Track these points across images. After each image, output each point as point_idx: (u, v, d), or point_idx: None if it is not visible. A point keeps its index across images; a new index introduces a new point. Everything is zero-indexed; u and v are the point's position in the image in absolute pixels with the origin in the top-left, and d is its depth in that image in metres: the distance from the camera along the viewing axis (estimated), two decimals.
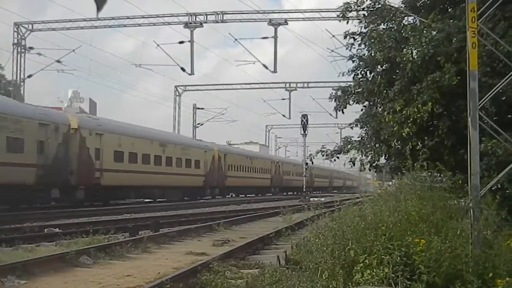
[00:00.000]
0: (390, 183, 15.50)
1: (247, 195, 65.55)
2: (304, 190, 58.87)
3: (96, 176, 36.86)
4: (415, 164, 10.47)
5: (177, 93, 68.22)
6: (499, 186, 11.74)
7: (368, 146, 18.44)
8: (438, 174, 10.95)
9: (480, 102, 9.81)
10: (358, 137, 19.58)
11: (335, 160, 20.93)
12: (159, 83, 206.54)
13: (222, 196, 60.00)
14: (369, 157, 18.60)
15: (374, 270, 8.22)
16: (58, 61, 48.91)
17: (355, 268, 8.55)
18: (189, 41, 48.62)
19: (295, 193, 77.96)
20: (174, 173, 48.29)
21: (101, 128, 38.23)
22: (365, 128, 19.14)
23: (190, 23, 48.08)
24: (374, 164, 18.75)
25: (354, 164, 19.66)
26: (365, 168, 19.39)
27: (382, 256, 8.30)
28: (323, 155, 20.40)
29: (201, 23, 48.33)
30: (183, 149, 51.26)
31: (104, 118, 43.93)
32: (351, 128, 20.88)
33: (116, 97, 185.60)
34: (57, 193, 33.22)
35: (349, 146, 19.10)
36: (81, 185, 35.51)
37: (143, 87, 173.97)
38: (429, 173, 10.50)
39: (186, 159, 51.52)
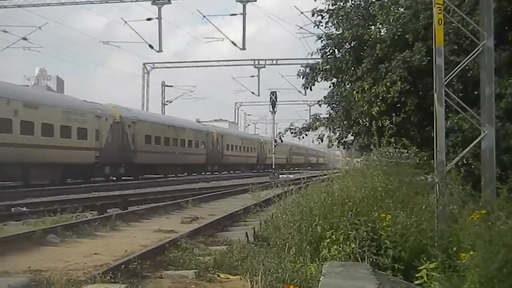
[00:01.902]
0: (359, 159, 15.57)
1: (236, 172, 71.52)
2: (273, 167, 59.03)
3: (132, 156, 45.20)
4: (382, 140, 10.52)
5: (146, 71, 67.70)
6: (465, 162, 11.86)
7: (337, 123, 18.52)
8: (405, 151, 11.02)
9: (446, 79, 9.88)
10: (326, 114, 19.64)
11: (303, 137, 21.04)
12: (129, 61, 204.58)
13: (219, 172, 66.47)
14: (337, 134, 18.69)
15: (341, 245, 8.28)
16: (24, 39, 48.09)
17: (322, 243, 8.60)
18: (157, 18, 48.18)
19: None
20: (188, 153, 57.91)
21: (135, 118, 46.83)
22: (333, 105, 19.18)
23: None
24: (342, 141, 18.86)
25: (322, 141, 19.74)
26: (333, 145, 19.48)
27: (349, 232, 8.36)
28: (291, 133, 20.45)
29: (169, 0, 47.83)
30: (194, 133, 60.54)
31: (136, 109, 53.81)
32: (319, 105, 20.97)
33: (86, 75, 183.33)
34: (108, 170, 41.66)
35: (317, 123, 19.17)
36: (123, 163, 43.71)
37: (113, 65, 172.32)
38: (396, 149, 10.57)
39: (195, 142, 60.72)
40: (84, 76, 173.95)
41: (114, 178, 43.54)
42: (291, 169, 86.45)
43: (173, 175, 52.80)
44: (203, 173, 61.32)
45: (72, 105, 38.55)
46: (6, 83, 34.83)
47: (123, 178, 44.26)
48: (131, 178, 44.95)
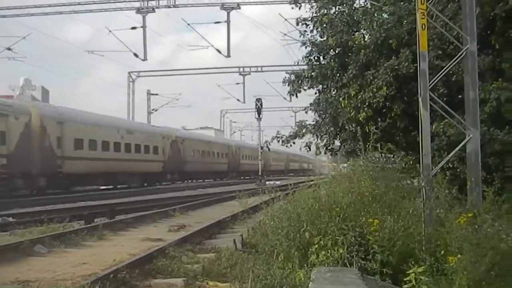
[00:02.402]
0: (345, 165, 15.60)
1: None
2: (260, 174, 58.92)
3: (182, 165, 59.87)
4: (368, 145, 10.56)
5: (131, 79, 67.49)
6: (450, 165, 11.91)
7: (323, 130, 18.53)
8: (391, 155, 11.05)
9: (430, 83, 9.95)
10: (313, 121, 19.66)
11: (291, 145, 20.99)
12: (114, 70, 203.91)
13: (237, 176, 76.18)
14: (324, 141, 18.70)
15: (329, 251, 8.29)
16: (9, 49, 47.90)
17: (310, 249, 8.60)
18: (141, 26, 48.12)
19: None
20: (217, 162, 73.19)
21: (184, 137, 62.77)
22: (320, 112, 19.20)
23: (142, 8, 47.49)
24: (329, 148, 18.87)
25: (310, 149, 19.73)
26: (320, 152, 19.49)
27: (337, 237, 8.36)
28: (278, 141, 20.45)
29: (153, 8, 47.76)
30: (219, 146, 75.23)
31: (184, 130, 71.29)
32: (306, 112, 20.95)
33: (71, 84, 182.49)
34: (169, 176, 57.34)
35: (304, 130, 19.17)
36: (177, 171, 59.17)
37: (98, 74, 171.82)
38: (382, 154, 10.60)
39: (221, 153, 75.42)
40: (69, 85, 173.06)
41: (168, 182, 55.37)
42: (272, 176, 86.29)
43: (211, 179, 68.91)
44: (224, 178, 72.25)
45: (149, 130, 55.75)
46: (114, 117, 51.95)
47: (174, 182, 57.76)
48: (180, 181, 58.71)
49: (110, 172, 44.22)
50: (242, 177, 77.57)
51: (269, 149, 28.81)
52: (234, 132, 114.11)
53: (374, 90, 15.11)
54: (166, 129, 59.86)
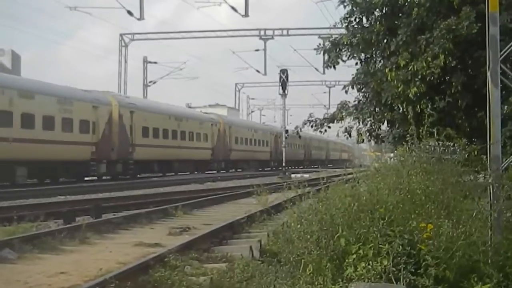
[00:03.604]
0: (392, 154, 15.55)
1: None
2: (284, 164, 58.90)
3: (228, 153, 74.67)
4: (421, 130, 10.52)
5: (123, 43, 67.63)
6: None
7: (367, 111, 18.44)
8: (451, 143, 11.01)
9: (502, 53, 9.85)
10: (354, 101, 19.56)
11: (325, 130, 20.89)
12: (103, 32, 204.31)
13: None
14: (368, 125, 18.63)
15: (370, 262, 8.28)
16: None
17: (347, 260, 8.60)
18: None
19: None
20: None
21: (231, 124, 76.95)
22: (363, 90, 19.10)
23: None
24: (373, 134, 18.80)
25: (350, 135, 19.66)
26: (363, 140, 19.41)
27: (380, 245, 8.35)
28: (311, 126, 20.39)
29: None
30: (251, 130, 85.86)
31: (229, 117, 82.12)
32: (346, 91, 20.66)
33: (50, 49, 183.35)
34: (215, 165, 70.28)
35: (343, 113, 19.06)
36: (223, 160, 73.29)
37: (84, 37, 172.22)
38: (439, 142, 10.56)
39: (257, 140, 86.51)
40: (48, 50, 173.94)
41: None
42: (306, 167, 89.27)
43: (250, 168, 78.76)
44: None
45: (200, 117, 69.76)
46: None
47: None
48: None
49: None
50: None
51: (299, 136, 28.72)
52: (252, 112, 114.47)
53: (429, 59, 15.05)
54: (214, 115, 73.25)
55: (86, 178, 45.28)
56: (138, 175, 52.99)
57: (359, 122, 18.83)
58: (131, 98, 57.57)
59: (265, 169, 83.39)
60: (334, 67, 18.37)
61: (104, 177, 47.50)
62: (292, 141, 77.96)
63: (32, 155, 38.34)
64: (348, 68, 20.09)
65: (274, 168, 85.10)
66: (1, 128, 36.29)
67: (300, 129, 22.80)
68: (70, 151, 42.50)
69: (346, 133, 19.45)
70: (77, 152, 43.39)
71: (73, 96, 44.52)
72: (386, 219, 8.76)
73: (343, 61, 18.19)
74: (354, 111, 18.78)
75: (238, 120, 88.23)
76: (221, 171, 68.94)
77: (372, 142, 21.15)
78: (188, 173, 62.37)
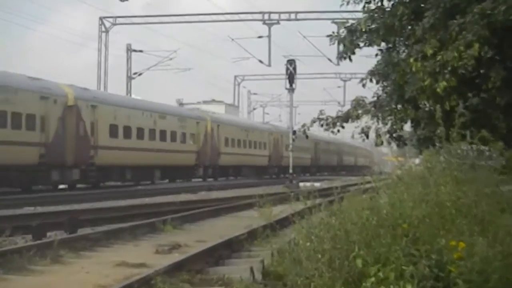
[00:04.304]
0: (417, 160, 15.55)
1: None
2: (291, 171, 58.92)
3: (216, 157, 72.75)
4: (451, 131, 10.53)
5: (104, 28, 67.52)
6: None
7: (387, 109, 18.41)
8: (486, 148, 11.02)
9: None
10: (373, 96, 19.53)
11: (338, 131, 20.82)
12: (80, 16, 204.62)
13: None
14: (389, 125, 18.61)
15: (392, 287, 8.29)
16: None
17: (364, 284, 8.61)
18: None
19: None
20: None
21: (220, 122, 75.71)
22: (383, 83, 19.07)
23: None
24: (395, 135, 18.78)
25: (367, 137, 19.64)
26: (382, 142, 19.40)
27: (403, 267, 8.36)
28: (321, 125, 20.36)
29: None
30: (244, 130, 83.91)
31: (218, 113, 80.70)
32: (363, 85, 20.41)
33: (16, 35, 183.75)
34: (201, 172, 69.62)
35: (360, 111, 19.03)
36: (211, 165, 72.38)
37: (58, 21, 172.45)
38: (472, 146, 10.57)
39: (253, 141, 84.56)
40: (14, 37, 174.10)
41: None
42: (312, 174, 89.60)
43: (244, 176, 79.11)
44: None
45: (182, 113, 69.15)
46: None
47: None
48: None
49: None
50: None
51: (307, 136, 28.72)
52: (254, 109, 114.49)
53: (461, 48, 15.04)
54: (199, 111, 73.67)
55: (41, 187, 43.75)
56: (101, 183, 51.05)
57: (377, 122, 18.82)
58: (92, 91, 54.95)
59: (264, 177, 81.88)
60: (350, 59, 18.33)
61: (61, 186, 45.88)
62: (297, 143, 76.33)
63: None
64: (366, 59, 20.12)
65: (274, 176, 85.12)
66: None
67: (308, 128, 22.60)
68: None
69: (363, 134, 19.41)
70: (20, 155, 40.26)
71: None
72: (410, 236, 8.77)
73: (359, 48, 18.16)
74: (372, 108, 18.76)
75: (228, 117, 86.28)
76: (208, 179, 67.10)
77: (393, 145, 21.10)
78: (166, 181, 62.56)
